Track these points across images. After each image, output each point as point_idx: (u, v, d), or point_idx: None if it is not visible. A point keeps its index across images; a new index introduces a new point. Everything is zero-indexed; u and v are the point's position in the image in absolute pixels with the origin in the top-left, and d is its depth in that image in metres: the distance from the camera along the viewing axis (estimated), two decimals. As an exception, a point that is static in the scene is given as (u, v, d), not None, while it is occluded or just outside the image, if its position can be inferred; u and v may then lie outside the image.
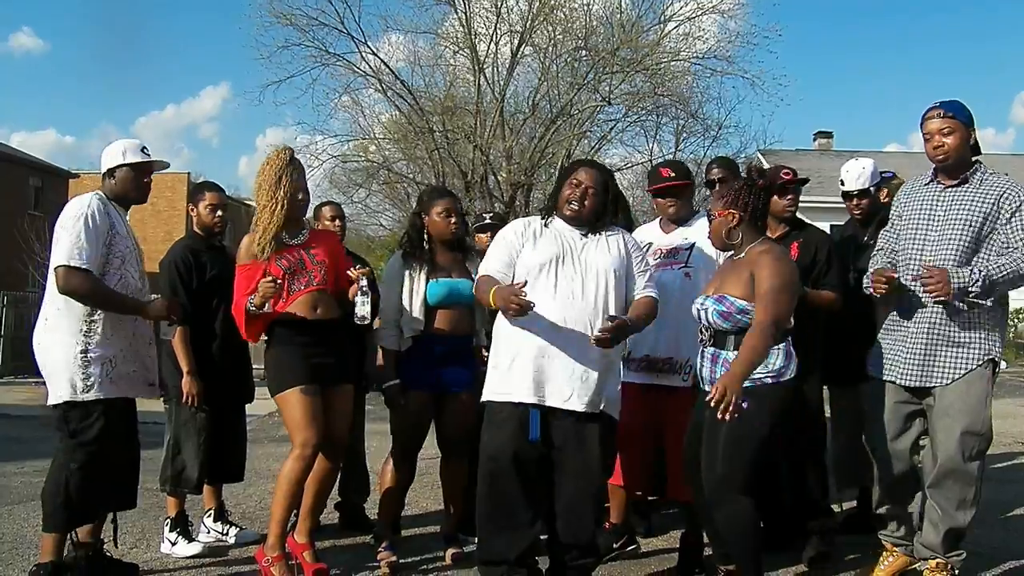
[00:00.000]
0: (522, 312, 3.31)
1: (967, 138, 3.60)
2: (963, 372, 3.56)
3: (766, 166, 5.00)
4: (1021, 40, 57.63)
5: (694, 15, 21.18)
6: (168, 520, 4.38)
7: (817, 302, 4.11)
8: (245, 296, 3.84)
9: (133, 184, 3.90)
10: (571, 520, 3.50)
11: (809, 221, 4.53)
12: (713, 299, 3.44)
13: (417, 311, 4.16)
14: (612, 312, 3.51)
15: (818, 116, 71.42)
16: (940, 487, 3.57)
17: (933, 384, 3.60)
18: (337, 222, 4.96)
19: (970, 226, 3.56)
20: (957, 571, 3.63)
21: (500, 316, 3.61)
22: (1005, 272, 3.49)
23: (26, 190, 27.57)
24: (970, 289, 3.46)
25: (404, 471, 4.32)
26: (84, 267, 3.60)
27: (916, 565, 3.77)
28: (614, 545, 4.27)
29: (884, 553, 3.88)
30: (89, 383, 3.63)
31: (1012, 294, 3.79)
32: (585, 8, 21.14)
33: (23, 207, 25.79)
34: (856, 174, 4.66)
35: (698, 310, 3.50)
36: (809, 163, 23.41)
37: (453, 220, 4.27)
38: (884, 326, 3.85)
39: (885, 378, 3.75)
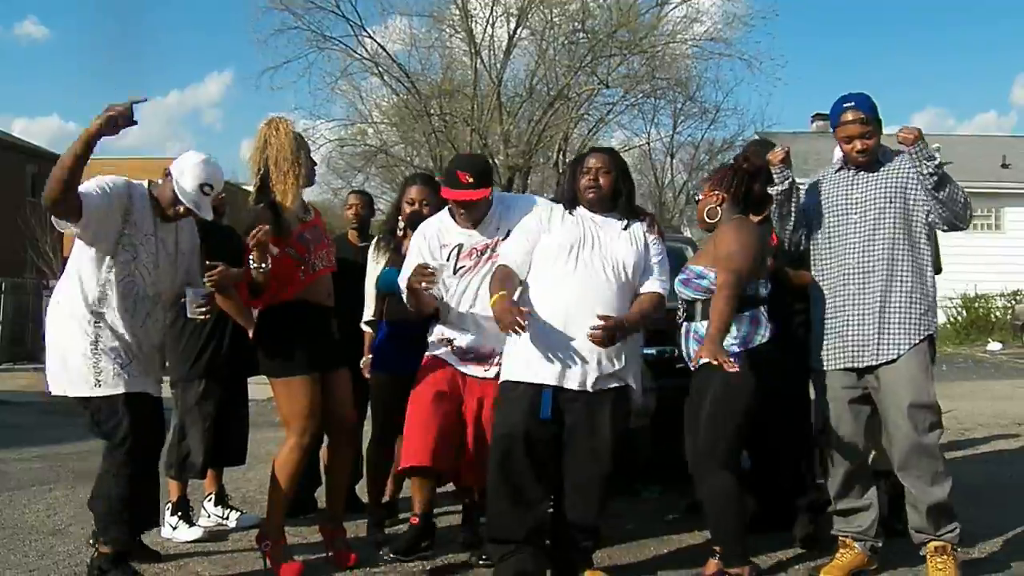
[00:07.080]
0: (517, 334, 3.34)
1: (880, 134, 3.71)
2: (907, 347, 3.58)
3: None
4: (1020, 22, 57.35)
5: (691, -3, 21.13)
6: (169, 504, 4.39)
7: (798, 282, 4.10)
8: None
9: (165, 199, 3.60)
10: (578, 501, 3.54)
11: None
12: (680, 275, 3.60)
13: (369, 297, 4.24)
14: (626, 298, 3.55)
15: (816, 98, 70.97)
16: (907, 467, 3.56)
17: (881, 361, 3.60)
18: (358, 209, 5.35)
19: (899, 194, 3.62)
20: (957, 548, 3.61)
21: (522, 295, 3.62)
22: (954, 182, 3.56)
23: (23, 177, 27.47)
24: (935, 158, 3.50)
25: (379, 453, 4.34)
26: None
27: (872, 566, 3.72)
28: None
29: (841, 549, 3.76)
30: (101, 377, 3.49)
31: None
32: (582, -11, 21.06)
33: (21, 194, 25.71)
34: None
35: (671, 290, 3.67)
36: (807, 145, 23.22)
37: (415, 209, 4.21)
38: (824, 316, 3.75)
39: (832, 367, 3.71)
